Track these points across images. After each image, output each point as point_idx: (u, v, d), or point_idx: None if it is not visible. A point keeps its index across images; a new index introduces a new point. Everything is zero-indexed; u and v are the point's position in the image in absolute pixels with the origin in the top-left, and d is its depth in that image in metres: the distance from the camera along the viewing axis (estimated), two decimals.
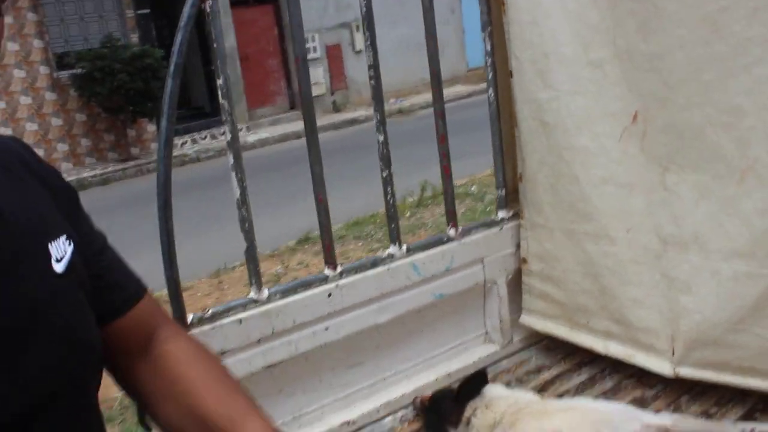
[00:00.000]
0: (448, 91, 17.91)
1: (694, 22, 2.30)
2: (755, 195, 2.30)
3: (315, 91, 17.04)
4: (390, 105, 17.49)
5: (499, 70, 2.78)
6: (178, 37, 1.96)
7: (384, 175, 2.49)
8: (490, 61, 2.76)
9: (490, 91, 2.79)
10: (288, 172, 11.65)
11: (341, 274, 2.40)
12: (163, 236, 1.99)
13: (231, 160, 2.16)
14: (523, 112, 2.79)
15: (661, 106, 2.46)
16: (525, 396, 2.31)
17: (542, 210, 2.85)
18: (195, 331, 2.08)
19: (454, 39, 19.46)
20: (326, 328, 2.36)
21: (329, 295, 2.35)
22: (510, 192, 2.91)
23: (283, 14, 16.49)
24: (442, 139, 2.64)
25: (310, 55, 16.90)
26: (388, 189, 2.50)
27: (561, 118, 2.68)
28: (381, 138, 2.48)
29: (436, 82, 2.62)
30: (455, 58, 19.44)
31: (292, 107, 16.89)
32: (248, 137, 14.87)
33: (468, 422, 2.21)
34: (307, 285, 2.33)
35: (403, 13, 18.24)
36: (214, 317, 2.13)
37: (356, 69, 17.48)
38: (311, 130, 2.34)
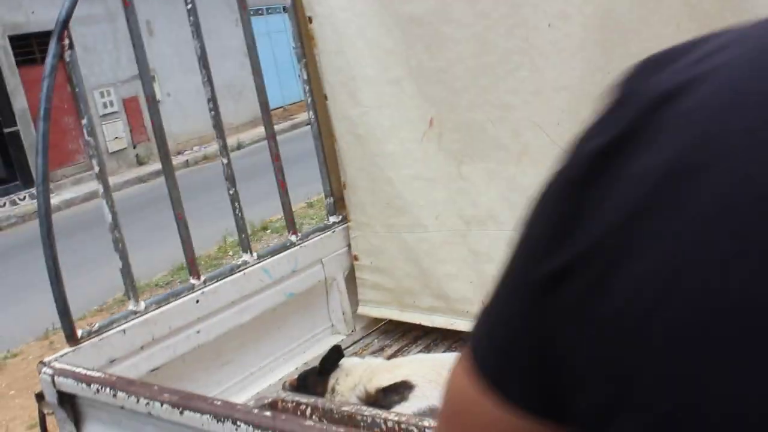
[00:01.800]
0: (250, 133, 18.27)
1: (468, 40, 2.87)
2: (530, 171, 2.89)
3: (116, 146, 16.84)
4: (194, 152, 17.56)
5: (316, 95, 3.23)
6: (45, 85, 2.26)
7: (231, 192, 2.87)
8: (308, 88, 3.21)
9: (311, 113, 3.24)
10: (100, 231, 11.49)
11: (205, 282, 2.74)
12: (48, 261, 2.26)
13: (101, 189, 2.46)
14: (339, 129, 3.26)
15: (451, 110, 3.01)
16: (376, 360, 2.75)
17: (365, 210, 3.33)
18: (85, 344, 2.35)
19: (250, 82, 19.81)
20: (198, 332, 2.69)
21: (197, 301, 2.68)
22: (337, 199, 3.36)
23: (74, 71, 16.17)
24: (276, 157, 3.05)
25: (107, 110, 16.64)
26: (236, 204, 2.88)
27: (371, 129, 3.18)
28: (225, 161, 2.85)
29: (266, 111, 3.04)
30: (254, 100, 19.77)
31: None
32: (53, 199, 14.43)
33: (333, 390, 2.61)
34: (177, 294, 2.66)
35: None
36: (101, 330, 2.41)
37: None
38: (166, 160, 2.67)
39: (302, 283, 3.14)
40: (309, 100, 3.23)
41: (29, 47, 15.41)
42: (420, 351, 3.20)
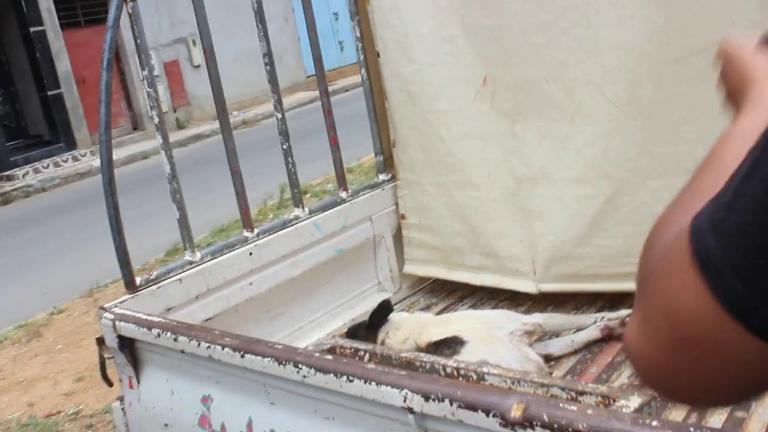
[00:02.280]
0: (289, 99, 18.27)
1: None
2: (584, 130, 2.87)
3: None
4: (233, 117, 17.64)
5: (368, 53, 3.23)
6: (108, 35, 2.29)
7: (284, 147, 2.89)
8: (360, 45, 3.21)
9: (363, 70, 3.24)
10: (142, 193, 11.60)
11: (258, 235, 2.77)
12: (110, 210, 2.30)
13: (160, 140, 2.50)
14: (391, 86, 3.25)
15: (504, 68, 2.99)
16: (426, 315, 2.78)
17: (415, 168, 3.33)
18: (143, 291, 2.40)
19: (290, 47, 19.85)
20: (250, 284, 2.73)
21: (250, 253, 2.72)
22: (387, 157, 3.37)
23: (121, 33, 16.29)
24: (328, 113, 3.06)
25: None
26: (289, 159, 2.90)
27: (424, 87, 3.17)
28: (279, 116, 2.87)
29: (320, 68, 3.05)
30: (293, 66, 19.83)
31: (135, 128, 16.75)
32: (93, 162, 14.62)
33: (383, 344, 2.64)
34: (231, 246, 2.70)
35: (240, 25, 18.44)
36: (159, 279, 2.45)
37: (196, 84, 17.50)
38: (223, 114, 2.69)
39: (351, 240, 3.17)
40: (361, 57, 3.23)
41: (73, 10, 15.56)
42: (467, 309, 3.22)
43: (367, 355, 2.07)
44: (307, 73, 20.44)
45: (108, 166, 2.28)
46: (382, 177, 3.36)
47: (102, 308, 2.28)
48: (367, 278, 3.32)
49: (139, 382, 2.25)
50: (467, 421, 1.37)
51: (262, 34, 2.82)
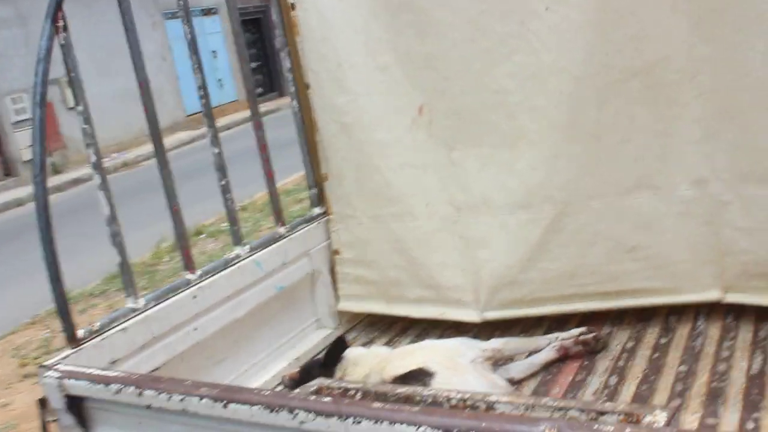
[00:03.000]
0: (169, 139, 17.81)
1: (461, 25, 2.84)
2: (526, 155, 2.87)
3: (30, 154, 16.15)
4: (112, 159, 17.00)
5: (298, 84, 3.14)
6: (40, 68, 2.11)
7: (222, 183, 2.75)
8: (291, 77, 3.12)
9: (294, 103, 3.14)
10: (24, 242, 10.98)
11: (200, 277, 2.62)
12: (48, 257, 2.11)
13: (98, 180, 2.32)
14: (323, 118, 3.17)
15: (442, 97, 2.97)
16: (382, 349, 2.69)
17: (350, 201, 3.25)
18: (87, 344, 2.20)
19: (168, 86, 19.39)
20: (195, 329, 2.56)
21: (194, 297, 2.56)
22: (320, 191, 3.27)
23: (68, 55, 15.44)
24: (263, 148, 2.95)
25: (20, 117, 15.95)
26: (227, 195, 2.76)
27: (359, 117, 3.10)
28: (216, 150, 2.73)
29: (252, 98, 2.93)
30: (172, 106, 19.37)
31: (7, 174, 15.86)
32: None
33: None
34: (175, 290, 2.53)
35: (117, 64, 17.89)
36: (102, 329, 2.26)
37: (72, 126, 16.81)
38: (159, 147, 2.54)
39: (291, 277, 3.05)
40: (292, 89, 3.14)
41: None
42: (411, 341, 3.15)
43: (359, 393, 1.96)
44: (186, 112, 20.04)
45: (44, 210, 2.10)
46: (316, 210, 3.26)
47: (43, 366, 2.07)
48: (306, 316, 3.20)
49: None
50: None
51: (196, 66, 2.68)
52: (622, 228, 2.84)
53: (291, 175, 9.32)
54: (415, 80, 2.99)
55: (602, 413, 1.71)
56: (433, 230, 3.13)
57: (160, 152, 2.56)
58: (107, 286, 8.08)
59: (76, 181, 15.83)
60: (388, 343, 3.16)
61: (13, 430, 5.24)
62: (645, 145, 2.73)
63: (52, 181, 15.77)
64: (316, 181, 3.27)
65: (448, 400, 1.77)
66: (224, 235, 9.25)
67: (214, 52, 21.35)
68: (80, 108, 2.32)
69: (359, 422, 1.47)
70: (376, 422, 1.45)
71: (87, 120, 2.34)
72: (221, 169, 2.76)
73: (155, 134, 2.54)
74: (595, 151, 2.77)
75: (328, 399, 1.57)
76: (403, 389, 1.89)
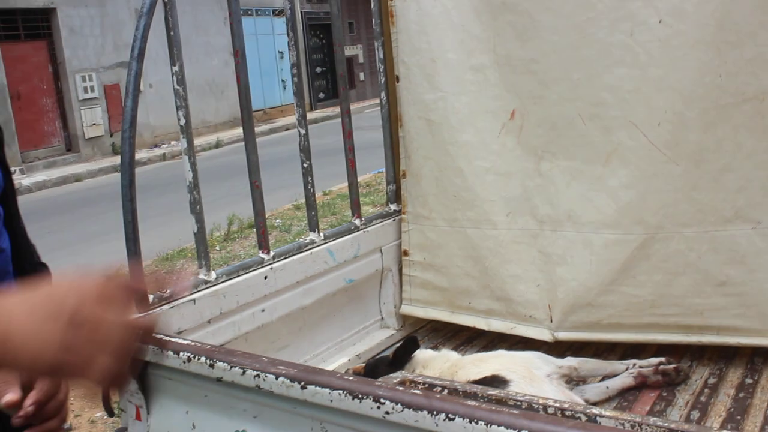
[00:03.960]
0: (230, 134, 17.98)
1: (565, 31, 2.73)
2: (620, 173, 2.75)
3: (93, 133, 16.42)
4: (171, 147, 17.19)
5: (388, 77, 3.06)
6: (141, 23, 2.07)
7: (305, 165, 2.68)
8: (382, 68, 3.04)
9: (383, 94, 3.07)
10: (79, 214, 11.12)
11: (273, 258, 2.54)
12: (127, 216, 2.05)
13: (185, 144, 2.26)
14: (409, 113, 3.08)
15: (537, 103, 2.86)
16: (453, 354, 2.58)
17: (426, 202, 3.15)
18: (156, 310, 2.14)
19: (234, 82, 19.58)
20: (263, 310, 2.49)
21: (265, 277, 2.48)
22: (399, 187, 3.19)
23: (58, 51, 15.77)
24: (349, 134, 2.87)
25: (87, 95, 16.23)
26: (308, 179, 2.69)
27: (446, 116, 3.01)
28: (302, 132, 2.67)
29: (344, 83, 2.86)
30: (235, 101, 19.55)
31: (69, 149, 16.12)
32: (23, 180, 13.96)
33: None
34: (247, 267, 2.45)
35: (187, 53, 18.14)
36: (172, 297, 2.19)
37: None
38: (248, 118, 2.48)
39: (361, 271, 2.97)
40: (382, 80, 3.06)
41: (14, 23, 14.98)
42: (480, 351, 3.03)
43: (445, 391, 1.86)
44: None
45: (129, 167, 2.04)
46: (393, 207, 3.17)
47: None
48: (371, 313, 3.11)
49: (149, 413, 1.98)
50: None
51: (292, 42, 2.61)
52: (714, 260, 2.69)
53: (340, 183, 9.33)
54: (511, 84, 2.89)
55: None
56: (512, 241, 3.02)
57: (248, 130, 2.50)
58: (157, 267, 8.12)
59: (136, 163, 16.01)
60: (454, 350, 3.06)
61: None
62: (749, 175, 2.59)
63: (111, 160, 16.01)
64: (395, 177, 3.18)
65: (545, 408, 1.65)
66: (277, 231, 9.26)
67: (280, 52, 21.56)
68: (176, 68, 2.26)
69: (452, 419, 1.36)
70: (471, 421, 1.34)
71: (180, 81, 2.28)
72: (305, 151, 2.69)
73: (246, 110, 2.48)
74: (696, 176, 2.64)
75: (418, 391, 1.46)
76: (494, 391, 1.78)
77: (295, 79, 2.67)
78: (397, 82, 3.09)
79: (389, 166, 3.18)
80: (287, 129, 17.83)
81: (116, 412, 2.09)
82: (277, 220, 9.73)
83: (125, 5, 16.93)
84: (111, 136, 16.79)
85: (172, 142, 17.51)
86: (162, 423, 1.96)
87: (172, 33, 2.26)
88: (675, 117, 2.61)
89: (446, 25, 2.95)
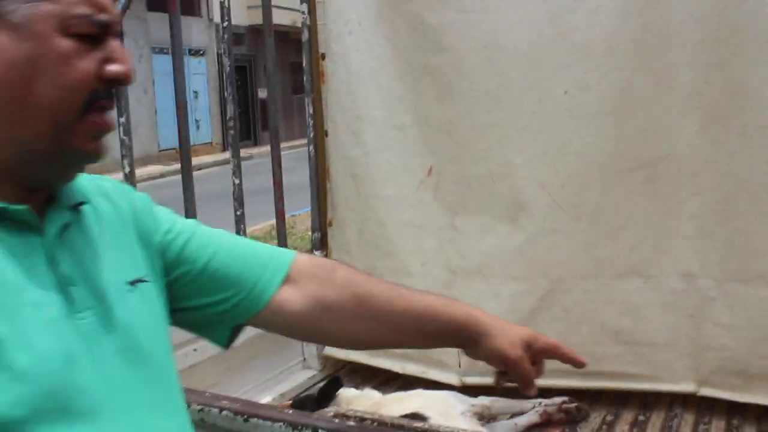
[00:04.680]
0: (141, 171, 17.77)
1: (480, 96, 2.99)
2: (528, 229, 3.00)
3: None
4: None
5: (318, 131, 3.26)
6: None
7: (238, 213, 2.84)
8: (311, 122, 3.24)
9: (311, 148, 3.26)
10: None
11: None
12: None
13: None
14: (336, 167, 3.28)
15: (452, 161, 3.10)
16: (375, 393, 2.75)
17: (349, 250, 3.34)
18: None
19: (146, 119, 19.43)
20: (195, 350, 2.61)
21: None
22: (323, 235, 3.37)
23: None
24: (278, 185, 3.04)
25: None
26: (240, 226, 2.84)
27: (369, 171, 3.22)
28: (237, 181, 2.83)
29: (275, 134, 3.04)
30: (148, 138, 19.39)
31: None
32: None
33: None
34: None
35: None
36: None
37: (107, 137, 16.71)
38: (187, 165, 2.63)
39: None
40: (311, 134, 3.26)
41: None
42: (397, 390, 3.19)
43: (376, 424, 2.01)
44: (160, 146, 20.05)
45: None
46: (317, 254, 3.34)
47: None
48: (294, 354, 3.26)
49: None
50: None
51: (230, 98, 2.79)
52: (610, 311, 2.96)
53: (259, 223, 9.43)
54: (429, 143, 3.13)
55: None
56: (426, 290, 3.21)
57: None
58: None
59: None
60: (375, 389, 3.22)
61: None
62: (641, 234, 2.88)
63: None
64: (321, 225, 3.36)
65: None
66: None
67: (195, 92, 21.52)
68: (122, 120, 2.40)
69: None
70: None
71: (126, 132, 2.42)
72: (239, 200, 2.85)
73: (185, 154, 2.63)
74: (594, 234, 2.91)
75: (353, 423, 1.63)
76: (419, 424, 1.95)
77: (232, 132, 2.84)
78: (326, 136, 3.29)
79: (315, 216, 3.36)
80: (200, 169, 17.78)
81: None
82: None
83: None
84: None
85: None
86: None
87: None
88: (577, 179, 2.89)
89: (372, 85, 3.17)
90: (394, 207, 3.21)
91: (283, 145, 3.29)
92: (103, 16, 1.01)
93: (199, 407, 1.79)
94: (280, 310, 1.34)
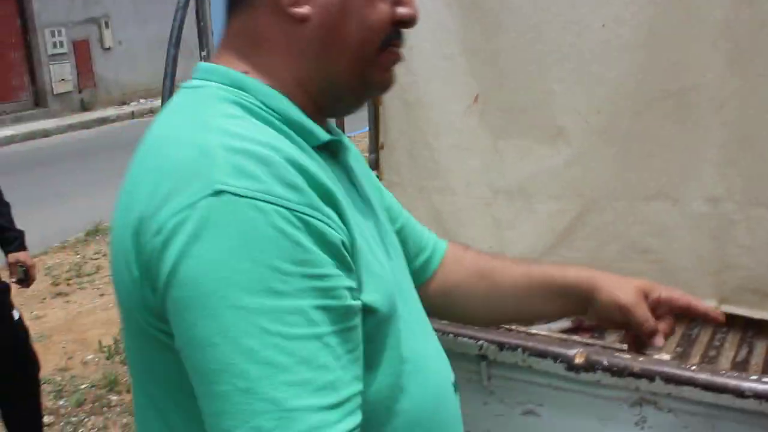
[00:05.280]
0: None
1: (524, 29, 3.20)
2: (563, 151, 3.25)
3: (61, 88, 16.54)
4: (140, 105, 17.40)
5: None
6: (178, 15, 2.49)
7: None
8: None
9: None
10: (47, 170, 11.32)
11: None
12: None
13: None
14: (388, 94, 3.53)
15: (497, 90, 3.34)
16: None
17: (399, 171, 3.63)
18: None
19: (190, 41, 19.71)
20: None
21: None
22: (378, 157, 3.65)
23: (27, 4, 15.79)
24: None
25: (56, 51, 16.31)
26: None
27: (419, 97, 3.47)
28: None
29: None
30: (191, 63, 19.71)
31: (37, 104, 16.23)
32: None
33: None
34: None
35: (156, 10, 18.19)
36: None
37: (105, 67, 17.14)
38: None
39: None
40: None
41: None
42: None
43: None
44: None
45: None
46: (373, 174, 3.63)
47: None
48: None
49: None
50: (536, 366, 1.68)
51: None
52: (638, 231, 3.21)
53: None
54: (476, 72, 3.36)
55: None
56: (469, 207, 3.51)
57: None
58: (86, 238, 8.37)
59: (103, 120, 16.21)
60: None
61: (47, 339, 5.64)
62: (670, 159, 3.10)
63: (80, 117, 16.16)
64: (376, 148, 3.65)
65: None
66: None
67: None
68: (203, 53, 2.69)
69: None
70: (443, 335, 1.83)
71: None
72: None
73: None
74: (625, 158, 3.14)
75: None
76: None
77: None
78: None
79: (371, 138, 3.63)
80: None
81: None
82: None
83: None
84: (80, 92, 16.91)
85: (141, 100, 17.69)
86: None
87: (201, 24, 2.68)
88: (611, 107, 3.11)
89: (423, 16, 3.36)
90: (441, 131, 3.48)
91: None
92: None
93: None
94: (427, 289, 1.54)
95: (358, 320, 0.99)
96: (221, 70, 1.11)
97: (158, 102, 18.23)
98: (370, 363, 1.03)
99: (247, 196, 0.91)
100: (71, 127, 15.31)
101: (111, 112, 16.54)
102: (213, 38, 2.89)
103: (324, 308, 0.93)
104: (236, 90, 1.07)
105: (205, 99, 1.08)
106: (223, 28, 1.18)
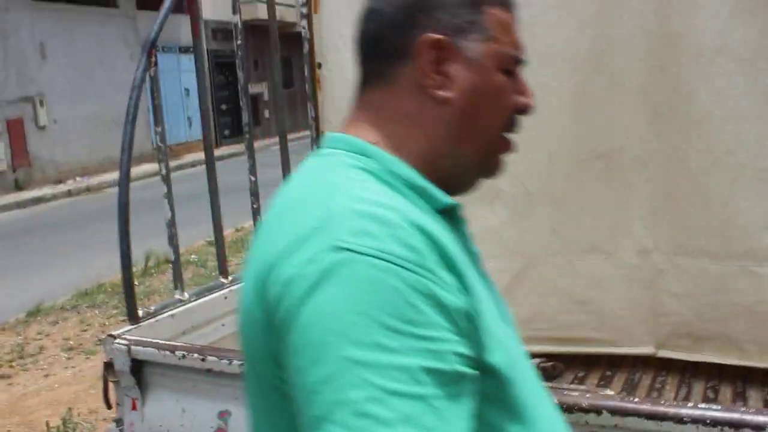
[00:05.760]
0: (136, 170, 18.08)
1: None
2: (500, 213, 3.46)
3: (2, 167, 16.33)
4: (76, 183, 17.27)
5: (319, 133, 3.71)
6: (135, 95, 2.66)
7: (254, 207, 3.29)
8: (314, 125, 3.68)
9: (315, 147, 3.70)
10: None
11: (231, 282, 3.13)
12: (123, 245, 2.62)
13: (165, 190, 2.85)
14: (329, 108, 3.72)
15: None
16: None
17: None
18: (144, 324, 2.70)
19: (139, 117, 19.74)
20: (223, 324, 3.07)
21: (225, 297, 3.07)
22: None
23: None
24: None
25: None
26: (257, 217, 3.30)
27: None
28: (252, 178, 3.28)
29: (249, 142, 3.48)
30: (141, 137, 19.73)
31: None
32: None
33: None
34: (211, 289, 3.04)
35: (92, 88, 18.21)
36: (156, 312, 2.76)
37: (40, 145, 17.02)
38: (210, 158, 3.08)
39: None
40: (314, 134, 3.69)
41: None
42: None
43: None
44: (153, 144, 20.36)
45: (124, 210, 2.61)
46: None
47: (111, 335, 2.56)
48: None
49: (143, 404, 2.53)
50: None
51: (244, 104, 3.22)
52: (576, 284, 3.42)
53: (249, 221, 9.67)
54: None
55: None
56: None
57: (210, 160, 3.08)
58: (77, 302, 8.39)
59: (38, 200, 15.98)
60: None
61: None
62: (601, 215, 3.34)
63: (15, 197, 15.95)
64: None
65: None
66: (192, 266, 9.57)
67: (186, 89, 21.85)
68: (158, 129, 2.86)
69: None
70: None
71: (162, 140, 2.86)
72: (255, 195, 3.30)
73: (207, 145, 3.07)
74: (560, 216, 3.38)
75: None
76: None
77: (248, 136, 3.27)
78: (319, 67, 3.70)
79: None
80: (193, 166, 17.99)
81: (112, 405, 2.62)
82: (193, 256, 10.06)
83: (29, 40, 17.01)
84: (14, 171, 16.73)
85: (77, 178, 17.57)
86: (156, 410, 2.52)
87: (156, 102, 2.85)
88: (544, 170, 3.35)
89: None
90: None
91: (274, 139, 3.62)
92: (524, 56, 1.23)
93: (240, 362, 2.24)
94: None
95: (469, 387, 0.98)
96: (349, 139, 1.17)
97: (95, 179, 18.03)
98: (495, 426, 1.05)
99: (365, 254, 0.95)
100: (5, 207, 15.07)
101: (47, 191, 16.36)
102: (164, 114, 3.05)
103: (431, 370, 0.93)
104: (361, 156, 1.13)
105: (333, 166, 1.13)
106: (355, 98, 1.24)
